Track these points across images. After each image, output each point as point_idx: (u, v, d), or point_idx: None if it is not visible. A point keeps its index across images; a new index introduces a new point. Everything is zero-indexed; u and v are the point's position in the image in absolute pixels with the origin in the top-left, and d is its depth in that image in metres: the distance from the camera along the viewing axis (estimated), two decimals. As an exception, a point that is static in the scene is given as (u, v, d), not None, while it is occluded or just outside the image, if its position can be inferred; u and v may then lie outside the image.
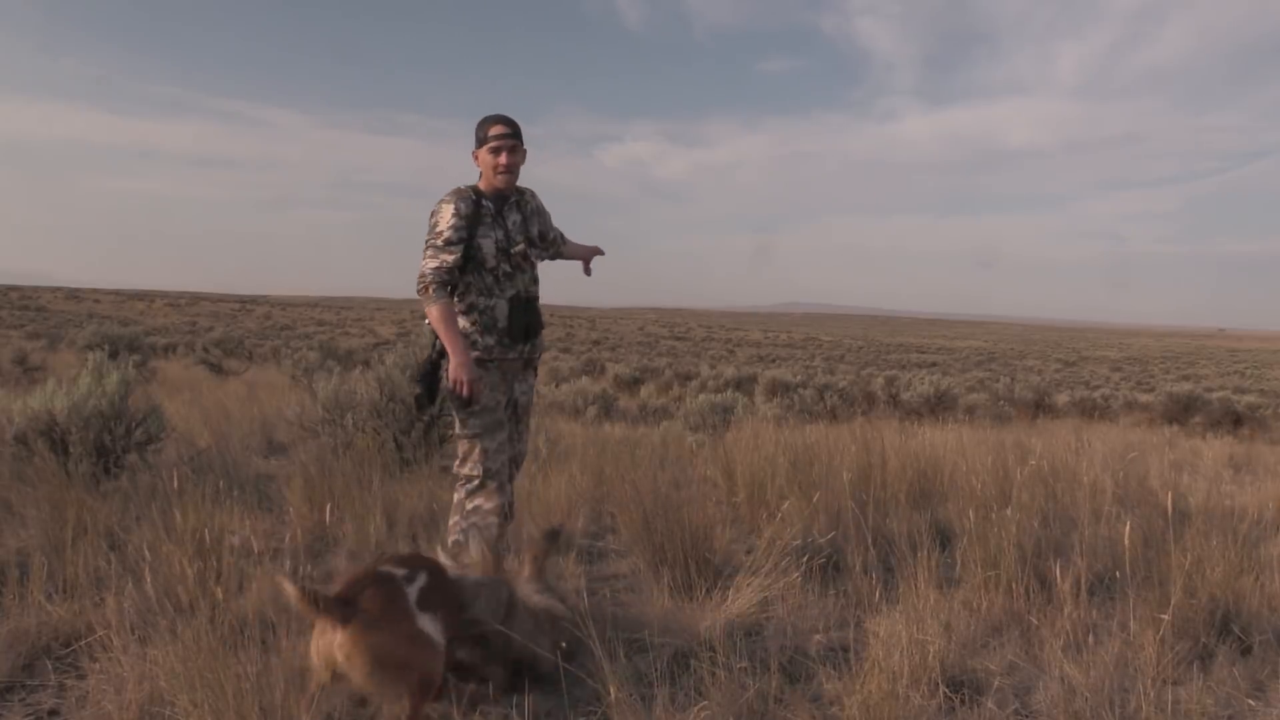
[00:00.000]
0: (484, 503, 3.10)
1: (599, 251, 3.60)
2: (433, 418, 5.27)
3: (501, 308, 3.12)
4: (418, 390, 3.14)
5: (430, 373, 3.13)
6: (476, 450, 3.10)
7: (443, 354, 3.08)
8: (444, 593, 2.39)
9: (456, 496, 3.16)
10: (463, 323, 3.10)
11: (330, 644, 2.13)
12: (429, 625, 2.25)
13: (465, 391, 2.97)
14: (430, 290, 3.01)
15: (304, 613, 2.16)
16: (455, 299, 3.11)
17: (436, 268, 3.03)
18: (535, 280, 3.29)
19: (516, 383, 3.23)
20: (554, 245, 3.46)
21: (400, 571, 2.32)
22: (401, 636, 2.18)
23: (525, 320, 3.16)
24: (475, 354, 3.08)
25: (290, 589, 2.10)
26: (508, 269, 3.15)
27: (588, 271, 3.59)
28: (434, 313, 3.00)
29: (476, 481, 3.12)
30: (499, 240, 3.12)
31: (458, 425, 3.14)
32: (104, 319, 38.38)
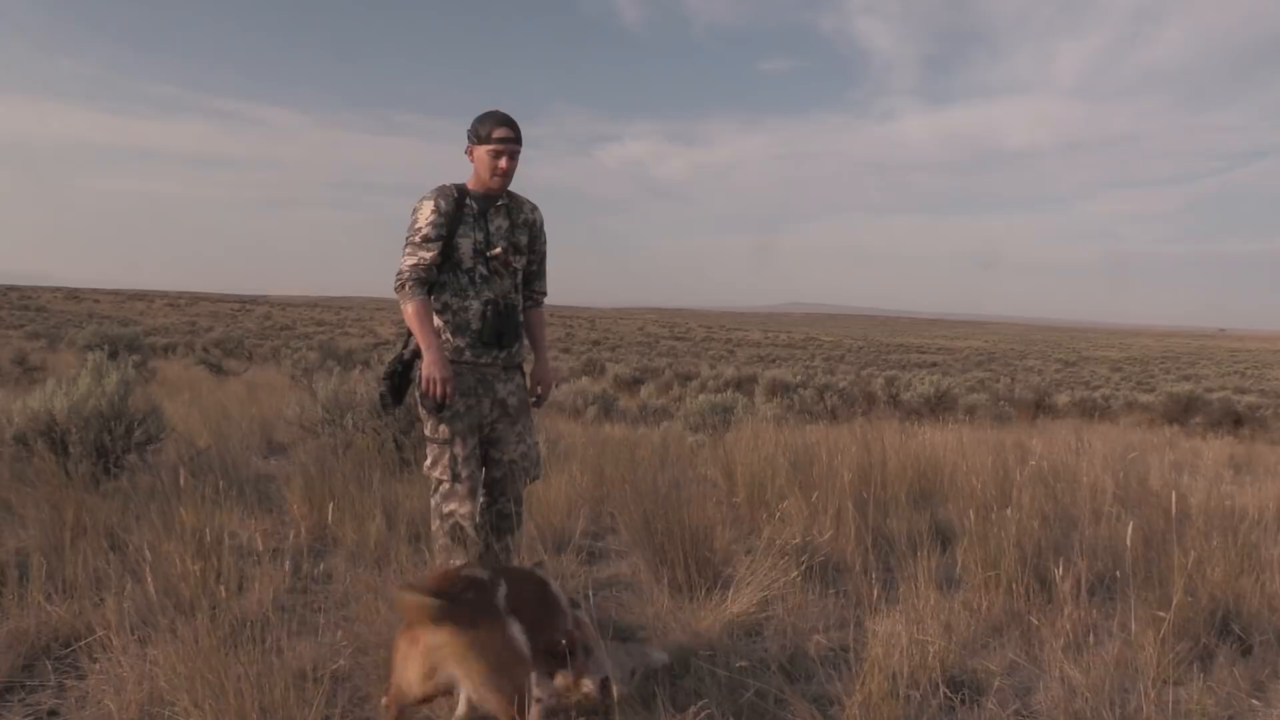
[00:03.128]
0: (457, 507, 3.03)
1: (545, 387, 3.32)
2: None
3: (475, 309, 3.04)
4: (383, 388, 3.04)
5: (402, 372, 3.05)
6: (446, 456, 3.03)
7: (416, 354, 3.01)
8: (534, 603, 2.30)
9: (432, 501, 3.12)
10: (436, 322, 3.03)
11: (433, 645, 2.01)
12: (518, 634, 2.14)
13: (437, 392, 2.88)
14: (406, 287, 2.95)
15: (414, 616, 2.03)
16: (432, 298, 3.04)
17: (414, 265, 2.97)
18: (517, 288, 3.17)
19: (500, 384, 3.13)
20: (530, 277, 3.29)
21: (485, 574, 2.24)
22: (498, 637, 2.07)
23: (498, 326, 3.06)
24: (445, 354, 2.99)
25: (408, 594, 1.99)
26: (484, 272, 3.06)
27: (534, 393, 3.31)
28: (409, 310, 2.94)
29: (446, 485, 3.04)
30: (477, 242, 3.04)
31: (428, 428, 3.05)
32: (104, 319, 38.38)
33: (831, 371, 25.83)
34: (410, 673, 2.04)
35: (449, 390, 2.90)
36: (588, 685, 2.37)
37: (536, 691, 2.33)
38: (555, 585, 2.52)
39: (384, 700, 2.40)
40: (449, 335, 3.05)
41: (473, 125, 3.03)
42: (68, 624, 2.79)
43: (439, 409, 2.98)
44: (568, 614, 2.46)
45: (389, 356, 3.18)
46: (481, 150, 3.01)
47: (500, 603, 2.17)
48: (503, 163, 3.01)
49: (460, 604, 2.05)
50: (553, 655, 2.34)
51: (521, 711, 2.03)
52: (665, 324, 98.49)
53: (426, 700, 2.14)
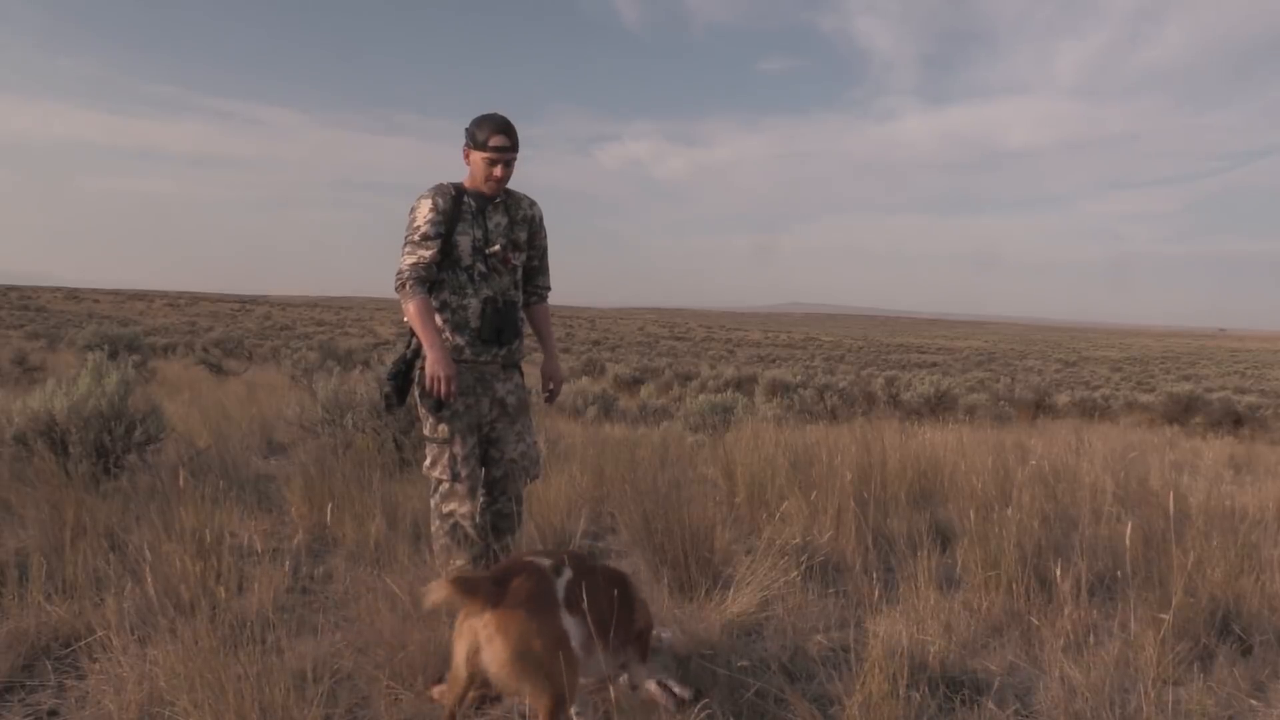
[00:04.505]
0: (457, 507, 3.03)
1: (557, 383, 3.32)
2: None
3: (474, 307, 3.04)
4: (388, 388, 3.04)
5: (405, 371, 3.05)
6: (446, 455, 3.02)
7: (418, 352, 3.01)
8: (593, 595, 2.25)
9: (432, 501, 3.11)
10: (436, 320, 3.03)
11: (475, 626, 2.05)
12: (571, 627, 2.15)
13: (440, 390, 2.87)
14: (407, 286, 2.95)
15: (454, 599, 2.05)
16: (431, 296, 3.04)
17: (414, 263, 2.97)
18: (516, 285, 3.17)
19: (498, 384, 3.13)
20: (532, 272, 3.30)
21: (547, 562, 2.24)
22: (544, 629, 2.07)
23: (497, 324, 3.06)
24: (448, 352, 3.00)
25: (438, 585, 2.01)
26: (483, 269, 3.06)
27: (546, 389, 3.32)
28: (411, 308, 2.94)
29: (446, 485, 3.04)
30: (476, 239, 3.04)
31: (427, 427, 3.04)
32: (103, 319, 38.38)
33: (831, 371, 25.83)
34: (459, 653, 2.08)
35: (452, 388, 2.90)
36: (659, 694, 2.41)
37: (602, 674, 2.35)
38: (636, 583, 2.54)
39: (435, 690, 2.38)
40: (449, 333, 3.06)
41: (471, 127, 3.03)
42: (68, 624, 2.79)
43: (439, 408, 2.98)
44: (647, 614, 2.48)
45: (392, 357, 3.18)
46: (477, 156, 3.02)
47: (558, 592, 2.17)
48: (498, 170, 3.01)
49: (506, 588, 2.07)
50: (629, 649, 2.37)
51: (556, 707, 2.02)
52: (665, 324, 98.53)
53: (473, 684, 2.14)
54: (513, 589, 2.08)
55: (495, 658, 2.02)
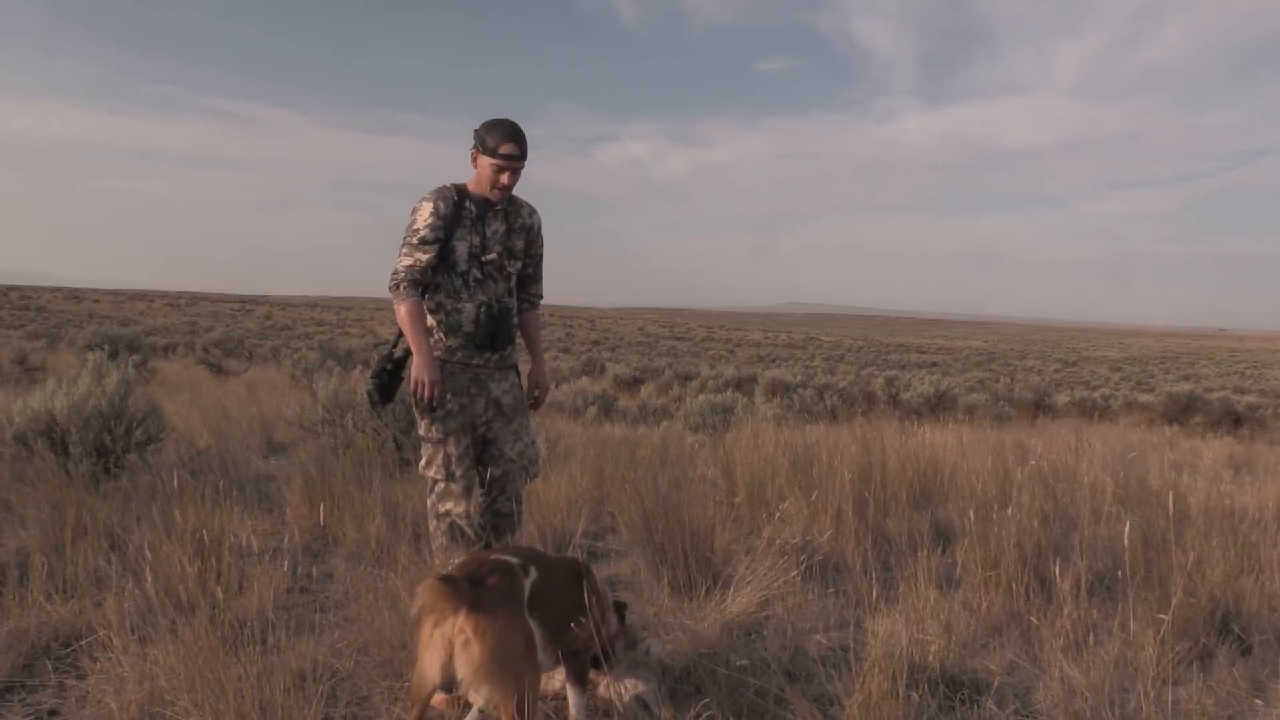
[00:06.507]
0: (453, 506, 3.05)
1: (543, 390, 3.33)
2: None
3: (468, 312, 3.05)
4: (369, 387, 3.07)
5: (392, 371, 3.08)
6: (440, 455, 3.05)
7: (408, 353, 3.03)
8: (551, 595, 2.25)
9: (429, 501, 3.13)
10: (429, 322, 3.05)
11: (448, 632, 1.96)
12: (534, 629, 2.12)
13: (425, 394, 2.90)
14: (401, 288, 2.96)
15: (435, 600, 1.96)
16: (425, 298, 3.06)
17: (410, 266, 2.98)
18: (511, 292, 3.19)
19: (493, 384, 3.14)
20: (526, 280, 3.29)
21: (515, 561, 2.20)
22: (518, 632, 2.04)
23: (491, 329, 3.07)
24: (437, 355, 3.02)
25: (424, 588, 1.95)
26: (478, 275, 3.07)
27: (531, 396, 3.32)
28: (402, 310, 2.96)
29: (442, 484, 3.06)
30: (473, 245, 3.06)
31: (421, 428, 3.08)
32: (104, 319, 38.39)
33: (831, 371, 25.84)
34: (430, 659, 2.00)
35: (436, 393, 2.92)
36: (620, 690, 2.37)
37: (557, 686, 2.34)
38: (595, 579, 2.49)
39: (438, 700, 2.32)
40: (442, 335, 3.07)
41: (481, 131, 3.02)
42: (68, 624, 2.80)
43: (431, 409, 2.99)
44: (604, 613, 2.43)
45: (381, 354, 3.19)
46: (485, 161, 3.01)
47: (525, 593, 2.14)
48: (504, 178, 3.02)
49: (481, 589, 2.02)
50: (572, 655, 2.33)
51: (522, 712, 1.98)
52: (665, 324, 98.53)
53: (445, 690, 2.10)
54: (487, 589, 2.03)
55: (470, 660, 1.95)
